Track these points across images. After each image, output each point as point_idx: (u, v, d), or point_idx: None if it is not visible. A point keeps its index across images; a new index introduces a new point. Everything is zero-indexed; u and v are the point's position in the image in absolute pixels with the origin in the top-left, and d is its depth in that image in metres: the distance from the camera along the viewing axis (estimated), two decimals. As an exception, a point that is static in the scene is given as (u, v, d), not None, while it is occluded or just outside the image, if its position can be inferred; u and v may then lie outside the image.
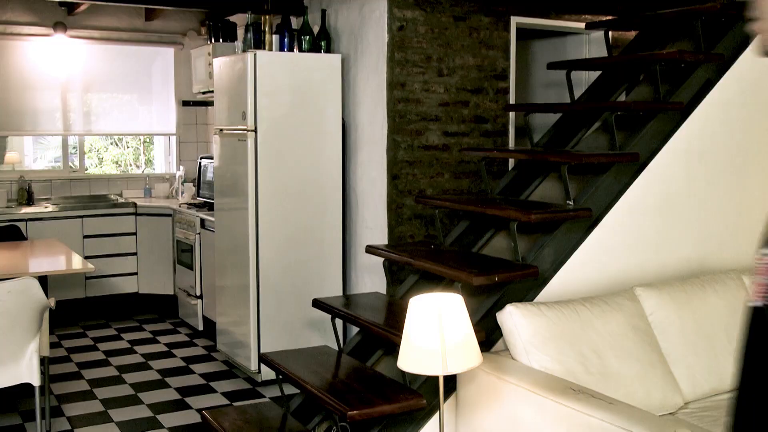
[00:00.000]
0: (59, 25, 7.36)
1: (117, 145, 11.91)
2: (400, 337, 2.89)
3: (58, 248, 5.44)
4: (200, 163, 7.06)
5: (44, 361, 4.34)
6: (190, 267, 6.55)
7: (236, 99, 5.29)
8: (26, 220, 6.75)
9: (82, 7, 7.12)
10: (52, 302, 4.23)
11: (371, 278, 5.31)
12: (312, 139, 5.34)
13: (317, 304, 4.12)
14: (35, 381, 4.11)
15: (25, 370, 4.10)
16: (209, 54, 6.56)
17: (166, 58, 7.91)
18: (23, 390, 4.42)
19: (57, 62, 7.45)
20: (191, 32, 7.84)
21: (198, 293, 6.46)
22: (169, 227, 7.04)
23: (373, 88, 5.27)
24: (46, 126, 7.59)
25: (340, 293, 5.43)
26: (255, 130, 5.13)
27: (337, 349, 4.07)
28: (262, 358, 3.91)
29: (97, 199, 7.49)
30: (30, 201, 7.22)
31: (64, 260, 5.12)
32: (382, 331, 3.55)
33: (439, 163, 5.35)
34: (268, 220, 5.19)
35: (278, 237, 5.24)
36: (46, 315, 4.31)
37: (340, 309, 3.96)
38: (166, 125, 7.97)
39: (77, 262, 4.87)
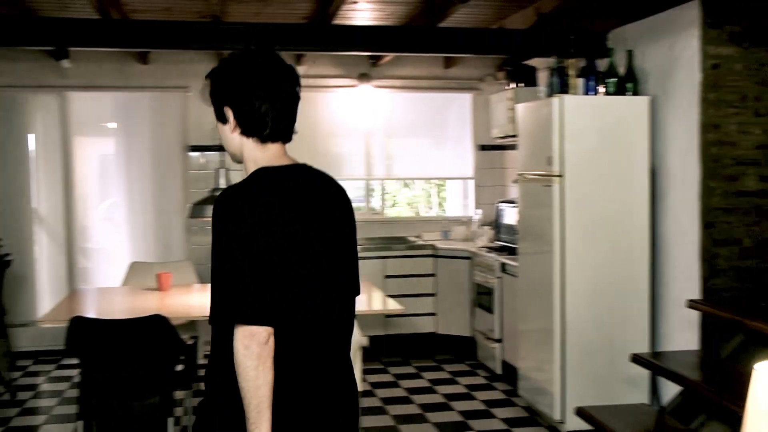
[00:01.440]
0: (364, 76, 7.79)
1: (409, 187, 12.38)
2: (740, 407, 2.68)
3: (366, 288, 5.69)
4: (498, 207, 7.11)
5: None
6: (490, 310, 6.59)
7: (541, 144, 5.28)
8: (334, 260, 7.12)
9: (386, 59, 7.50)
10: (365, 341, 4.42)
11: (682, 332, 5.03)
12: (618, 183, 5.19)
13: (637, 359, 3.95)
14: (353, 416, 4.29)
15: (344, 405, 4.29)
16: (509, 99, 6.62)
17: (463, 104, 8.10)
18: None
19: (361, 110, 7.89)
20: (488, 77, 7.98)
21: (497, 337, 6.48)
22: (468, 270, 7.14)
23: (683, 130, 5.04)
24: (349, 170, 8.04)
25: (646, 345, 5.19)
26: (561, 175, 5.08)
27: (651, 406, 3.88)
28: (580, 413, 3.82)
29: (397, 241, 7.79)
30: (337, 241, 7.62)
31: (377, 300, 5.35)
32: (714, 396, 3.33)
33: (757, 210, 4.99)
34: (573, 265, 5.10)
35: (583, 283, 5.13)
36: (360, 352, 4.50)
37: (663, 366, 3.77)
38: (462, 169, 8.14)
39: (391, 304, 5.06)
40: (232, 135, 2.34)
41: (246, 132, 2.32)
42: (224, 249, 2.12)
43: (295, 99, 2.35)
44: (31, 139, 7.46)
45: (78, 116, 7.52)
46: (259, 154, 2.33)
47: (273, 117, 2.29)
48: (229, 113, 2.32)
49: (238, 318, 2.06)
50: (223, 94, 2.34)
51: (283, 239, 2.14)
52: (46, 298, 7.48)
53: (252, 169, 2.32)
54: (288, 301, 2.14)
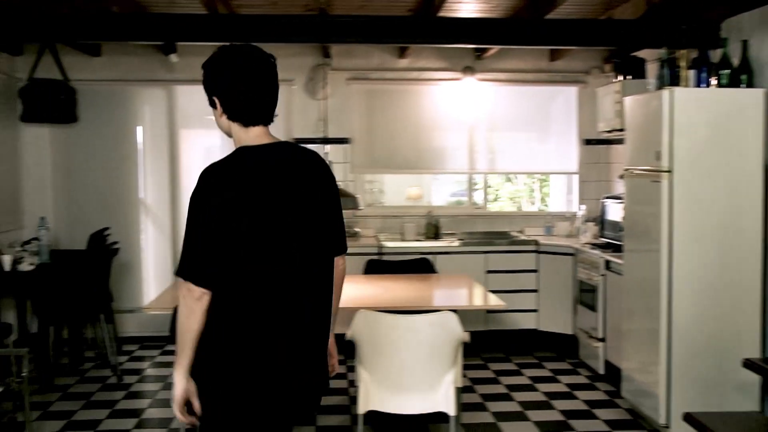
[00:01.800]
0: (468, 69, 7.73)
1: (512, 181, 12.25)
2: None
3: (468, 283, 5.66)
4: (603, 203, 6.94)
5: (457, 392, 4.49)
6: (593, 308, 6.45)
7: (649, 138, 5.12)
8: (434, 254, 7.12)
9: (491, 52, 7.42)
10: (467, 336, 4.38)
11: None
12: (730, 180, 4.97)
13: (750, 364, 3.79)
14: (450, 411, 4.28)
15: (442, 399, 4.28)
16: (617, 92, 6.45)
17: (569, 97, 7.94)
18: (434, 417, 4.62)
19: (464, 104, 7.82)
20: (595, 70, 7.80)
21: (600, 336, 6.33)
22: (571, 266, 7.01)
23: (802, 125, 4.81)
24: (452, 164, 7.99)
25: (757, 350, 4.96)
26: (670, 171, 4.91)
27: (763, 414, 3.71)
28: (688, 418, 3.68)
29: (499, 236, 7.70)
30: (437, 235, 7.62)
31: (478, 295, 5.31)
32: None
33: None
34: (681, 264, 4.92)
35: (691, 283, 4.94)
36: (461, 348, 4.46)
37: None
38: (566, 164, 7.98)
39: (492, 299, 5.01)
40: (221, 119, 2.75)
41: (231, 118, 2.72)
42: (190, 215, 2.60)
43: (272, 88, 2.75)
44: (139, 131, 7.70)
45: (184, 109, 7.71)
46: (243, 135, 2.73)
47: (252, 106, 2.70)
48: (217, 102, 2.73)
49: (182, 274, 2.58)
50: (211, 86, 2.75)
51: (239, 212, 2.56)
52: (151, 286, 7.72)
53: (236, 147, 2.74)
54: (239, 267, 2.58)
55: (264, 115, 2.74)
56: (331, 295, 2.84)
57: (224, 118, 2.74)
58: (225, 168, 2.64)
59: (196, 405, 2.67)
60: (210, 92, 2.76)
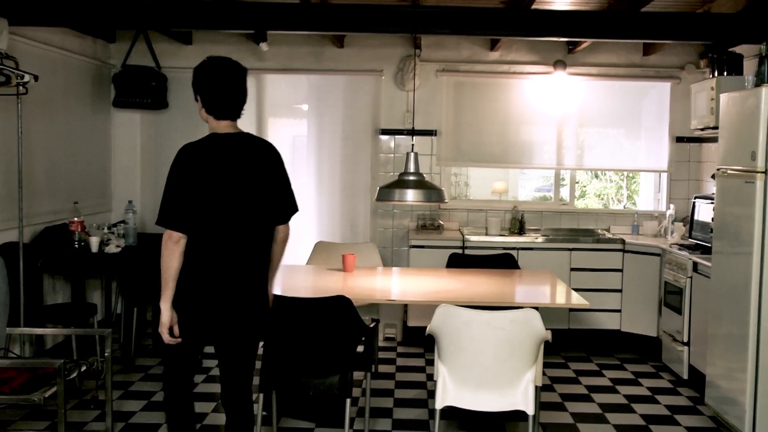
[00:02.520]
0: (559, 63, 7.61)
1: (599, 178, 12.05)
2: None
3: (551, 280, 5.59)
4: (694, 202, 6.75)
5: (536, 391, 4.44)
6: (679, 311, 6.28)
7: (745, 137, 4.95)
8: (518, 249, 7.05)
9: (583, 45, 7.29)
10: (548, 335, 4.32)
11: None
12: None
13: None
14: (529, 410, 4.23)
15: (521, 398, 4.23)
16: (712, 88, 6.26)
17: (661, 93, 7.74)
18: (511, 415, 4.58)
19: (554, 98, 7.71)
20: (689, 65, 7.58)
21: (685, 339, 6.17)
22: (657, 267, 6.85)
23: None
24: (539, 159, 7.89)
25: None
26: (765, 172, 4.74)
27: None
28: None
29: (584, 233, 7.59)
30: (521, 230, 7.54)
31: (561, 293, 5.23)
32: None
33: None
34: (774, 269, 4.76)
35: (785, 289, 4.77)
36: (542, 346, 4.40)
37: None
38: (657, 161, 7.78)
39: (575, 298, 4.93)
40: (201, 111, 3.77)
41: (208, 112, 3.75)
42: (167, 179, 3.64)
43: (239, 93, 3.77)
44: (228, 118, 7.81)
45: (272, 98, 7.80)
46: (214, 125, 3.78)
47: (223, 106, 3.73)
48: (199, 99, 3.77)
49: (163, 223, 3.60)
50: (196, 86, 3.75)
51: (199, 178, 3.61)
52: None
53: (209, 132, 3.78)
54: (195, 218, 3.59)
55: (231, 113, 3.78)
56: (266, 252, 3.86)
57: (203, 111, 3.76)
58: (195, 146, 3.72)
59: (176, 330, 3.66)
60: (195, 91, 3.77)
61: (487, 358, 4.22)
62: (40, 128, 6.28)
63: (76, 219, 6.39)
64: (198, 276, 3.65)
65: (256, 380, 5.63)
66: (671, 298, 6.48)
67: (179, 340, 3.66)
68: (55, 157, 6.56)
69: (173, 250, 3.55)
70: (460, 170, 8.34)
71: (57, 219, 6.52)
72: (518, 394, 4.24)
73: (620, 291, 7.10)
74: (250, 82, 7.87)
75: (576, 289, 5.51)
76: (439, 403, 4.29)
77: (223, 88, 3.69)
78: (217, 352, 3.82)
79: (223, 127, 3.76)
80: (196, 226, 3.59)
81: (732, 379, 5.03)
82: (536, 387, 4.35)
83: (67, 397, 4.13)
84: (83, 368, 4.51)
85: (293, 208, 3.92)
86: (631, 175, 10.49)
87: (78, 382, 5.30)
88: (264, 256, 3.83)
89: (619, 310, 7.11)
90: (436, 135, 7.73)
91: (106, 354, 4.55)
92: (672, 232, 7.12)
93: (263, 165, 3.78)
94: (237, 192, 3.66)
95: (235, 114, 3.78)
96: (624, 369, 6.63)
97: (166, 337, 3.64)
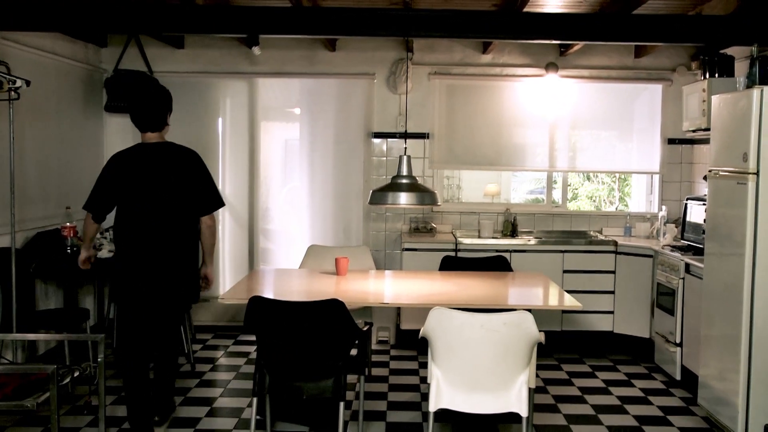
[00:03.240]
0: (551, 66, 7.62)
1: (591, 180, 12.08)
2: None
3: (544, 282, 5.59)
4: (686, 204, 6.77)
5: (530, 392, 4.43)
6: (671, 312, 6.30)
7: (736, 139, 4.97)
8: (511, 251, 7.06)
9: (575, 48, 7.31)
10: (542, 337, 4.32)
11: None
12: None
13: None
14: (523, 411, 4.23)
15: (515, 400, 4.23)
16: (703, 90, 6.28)
17: (653, 95, 7.76)
18: (504, 417, 4.59)
19: (546, 101, 7.72)
20: (681, 67, 7.61)
21: (677, 340, 6.18)
22: (650, 269, 6.87)
23: None
24: (532, 162, 7.90)
25: None
26: (757, 173, 4.76)
27: None
28: (769, 428, 3.57)
29: (577, 235, 7.61)
30: (514, 233, 7.55)
31: (554, 295, 5.24)
32: None
33: None
34: (765, 270, 4.76)
35: (777, 290, 4.79)
36: (535, 348, 4.40)
37: None
38: (648, 163, 7.81)
39: (568, 300, 4.93)
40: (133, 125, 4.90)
41: (135, 125, 4.87)
42: (98, 177, 4.85)
43: (154, 109, 4.84)
44: (220, 123, 7.82)
45: (265, 101, 7.80)
46: (142, 136, 4.88)
47: (141, 121, 4.85)
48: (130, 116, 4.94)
49: (86, 207, 4.87)
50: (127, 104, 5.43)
51: (122, 178, 4.76)
52: (228, 276, 7.84)
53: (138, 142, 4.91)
54: (122, 210, 4.81)
55: (151, 126, 4.84)
56: (187, 238, 4.88)
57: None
58: (122, 153, 4.83)
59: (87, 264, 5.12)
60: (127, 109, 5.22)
61: (480, 361, 4.22)
62: (33, 133, 6.27)
63: (68, 224, 6.39)
64: (129, 257, 4.81)
65: (249, 384, 5.64)
66: (664, 299, 6.49)
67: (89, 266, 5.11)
68: (47, 162, 6.55)
69: (88, 224, 4.94)
70: (452, 173, 8.35)
71: (49, 224, 6.51)
72: (512, 396, 4.24)
73: (613, 293, 7.12)
74: (242, 87, 7.98)
75: (569, 291, 5.52)
76: (433, 406, 4.28)
77: (140, 107, 4.82)
78: (149, 319, 4.88)
79: (148, 137, 4.86)
80: (123, 217, 4.81)
81: (725, 379, 5.05)
82: (530, 389, 4.35)
83: (60, 402, 4.11)
84: (76, 374, 4.49)
85: (215, 203, 4.96)
86: (623, 177, 10.51)
87: (71, 387, 5.26)
88: (184, 240, 4.87)
89: (611, 312, 7.13)
90: (428, 138, 7.74)
91: (98, 359, 4.52)
92: (664, 234, 7.13)
93: (182, 168, 4.82)
94: (156, 190, 4.75)
95: (156, 126, 4.84)
96: (617, 370, 6.64)
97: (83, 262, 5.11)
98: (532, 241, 7.27)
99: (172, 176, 4.77)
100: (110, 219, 7.28)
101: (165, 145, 4.86)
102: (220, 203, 5.00)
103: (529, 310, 4.24)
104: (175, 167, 4.79)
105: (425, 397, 5.54)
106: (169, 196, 4.77)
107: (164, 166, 4.77)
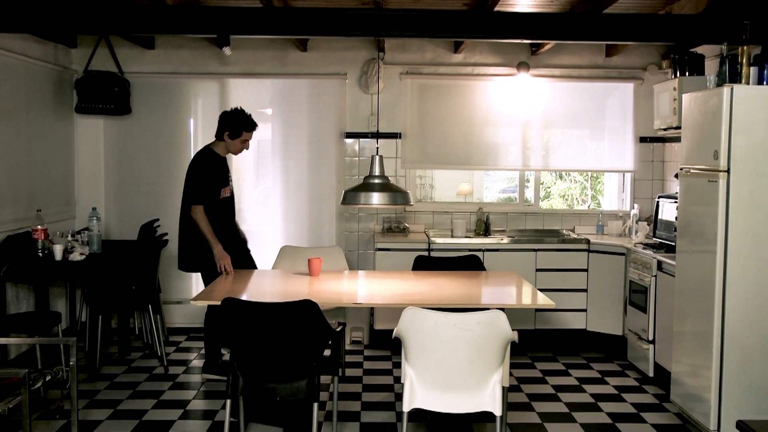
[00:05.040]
0: (523, 65, 7.64)
1: (563, 179, 12.13)
2: None
3: (517, 281, 5.60)
4: (658, 202, 6.82)
5: (504, 391, 4.44)
6: (644, 309, 6.34)
7: (707, 137, 5.01)
8: (484, 250, 7.07)
9: (547, 47, 7.33)
10: (515, 336, 4.32)
11: None
12: (791, 181, 4.85)
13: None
14: (497, 410, 4.22)
15: (488, 399, 4.23)
16: (674, 89, 6.33)
17: (624, 94, 7.81)
18: (478, 416, 4.58)
19: (518, 100, 7.74)
20: (652, 66, 7.66)
21: (650, 337, 6.22)
22: (622, 266, 6.91)
23: None
24: (504, 161, 7.92)
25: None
26: (727, 171, 4.80)
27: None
28: (741, 426, 3.58)
29: (549, 234, 7.64)
30: (487, 232, 7.57)
31: (527, 294, 5.25)
32: None
33: None
34: (736, 267, 4.80)
35: (747, 286, 4.81)
36: (509, 347, 4.40)
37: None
38: (621, 162, 7.85)
39: (541, 298, 4.94)
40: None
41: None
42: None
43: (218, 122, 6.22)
44: (192, 123, 7.77)
45: (236, 102, 7.69)
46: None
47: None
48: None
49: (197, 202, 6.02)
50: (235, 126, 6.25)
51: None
52: (199, 278, 7.76)
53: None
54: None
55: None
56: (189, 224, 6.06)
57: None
58: None
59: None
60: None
61: (454, 360, 4.21)
62: (1, 135, 6.20)
63: (39, 227, 6.31)
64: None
65: (222, 386, 5.60)
66: (636, 296, 6.53)
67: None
68: (17, 165, 6.47)
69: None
70: (425, 173, 8.35)
71: (20, 227, 6.43)
72: (486, 395, 4.24)
73: (585, 291, 7.15)
74: (214, 87, 7.94)
75: (542, 290, 5.54)
76: (407, 406, 4.27)
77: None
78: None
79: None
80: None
81: (697, 376, 5.08)
82: (503, 388, 4.35)
83: (32, 407, 4.08)
84: (48, 378, 4.45)
85: (190, 199, 6.04)
86: (595, 175, 10.56)
87: (43, 391, 5.24)
88: (186, 225, 6.18)
89: (584, 310, 7.16)
90: (400, 138, 7.73)
91: (71, 363, 4.48)
92: (636, 232, 7.18)
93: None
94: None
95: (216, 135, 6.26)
96: (590, 368, 6.67)
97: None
98: (505, 240, 7.29)
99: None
100: (83, 220, 7.27)
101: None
102: (194, 201, 6.00)
103: (503, 309, 4.23)
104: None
105: (399, 397, 5.53)
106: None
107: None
